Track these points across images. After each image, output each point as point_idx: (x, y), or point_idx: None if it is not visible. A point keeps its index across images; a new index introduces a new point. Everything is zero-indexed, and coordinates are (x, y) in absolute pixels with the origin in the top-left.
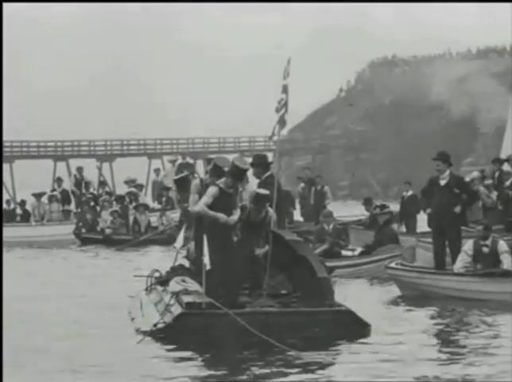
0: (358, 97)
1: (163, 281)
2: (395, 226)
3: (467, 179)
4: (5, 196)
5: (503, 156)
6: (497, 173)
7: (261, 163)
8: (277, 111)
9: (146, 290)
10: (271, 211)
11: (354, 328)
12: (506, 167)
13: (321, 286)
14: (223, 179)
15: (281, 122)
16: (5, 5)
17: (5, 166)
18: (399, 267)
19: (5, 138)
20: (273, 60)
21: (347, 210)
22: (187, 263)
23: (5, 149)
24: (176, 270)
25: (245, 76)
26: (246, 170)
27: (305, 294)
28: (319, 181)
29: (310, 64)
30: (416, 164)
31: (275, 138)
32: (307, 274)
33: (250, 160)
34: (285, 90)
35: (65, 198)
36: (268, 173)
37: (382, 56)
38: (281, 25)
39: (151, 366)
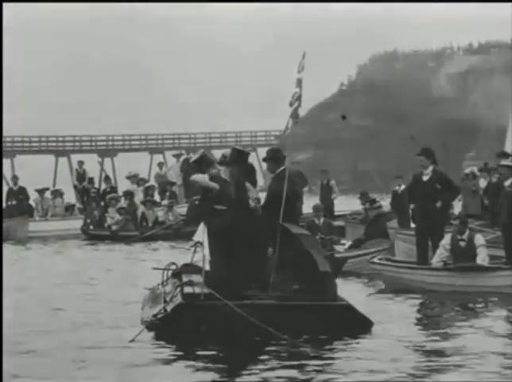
0: (360, 91)
1: (177, 273)
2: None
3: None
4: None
5: (508, 150)
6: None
7: (275, 157)
8: (291, 104)
9: (162, 283)
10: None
11: (356, 323)
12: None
13: (322, 280)
14: None
15: (295, 116)
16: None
17: (6, 161)
18: (380, 261)
19: (5, 133)
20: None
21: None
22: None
23: (5, 144)
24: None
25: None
26: None
27: (308, 287)
28: (325, 175)
29: (310, 57)
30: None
31: (287, 131)
32: (310, 267)
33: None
34: (298, 84)
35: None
36: (282, 168)
37: (383, 51)
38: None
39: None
